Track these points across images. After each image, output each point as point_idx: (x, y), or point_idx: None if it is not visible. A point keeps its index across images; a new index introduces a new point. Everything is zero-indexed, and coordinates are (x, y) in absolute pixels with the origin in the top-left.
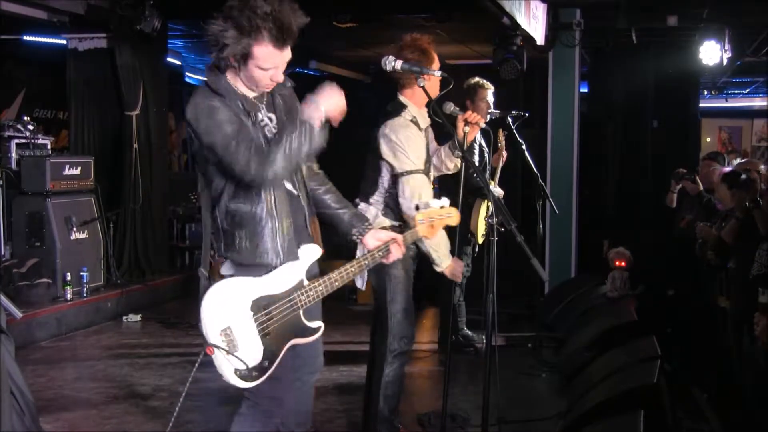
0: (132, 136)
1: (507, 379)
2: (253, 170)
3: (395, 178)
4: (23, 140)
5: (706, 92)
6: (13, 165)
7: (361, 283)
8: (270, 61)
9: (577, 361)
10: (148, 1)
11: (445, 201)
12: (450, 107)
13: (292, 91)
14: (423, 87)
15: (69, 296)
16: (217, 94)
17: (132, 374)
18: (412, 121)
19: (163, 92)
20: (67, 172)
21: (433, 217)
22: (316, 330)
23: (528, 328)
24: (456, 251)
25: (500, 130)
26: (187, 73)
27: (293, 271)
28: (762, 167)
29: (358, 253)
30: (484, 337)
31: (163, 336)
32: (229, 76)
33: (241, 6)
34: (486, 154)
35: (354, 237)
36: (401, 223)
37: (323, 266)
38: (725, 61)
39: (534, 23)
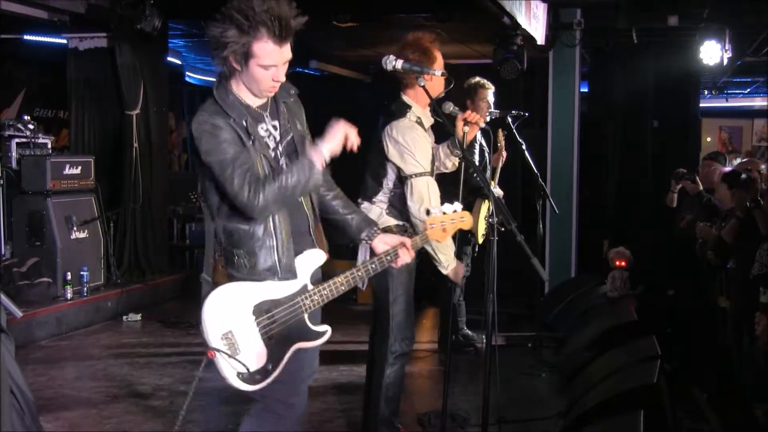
0: (132, 136)
1: (507, 379)
2: (244, 198)
3: (402, 179)
4: (23, 139)
5: (706, 92)
6: (14, 164)
7: (361, 284)
8: (270, 58)
9: (577, 361)
10: (148, 1)
11: (457, 205)
12: (449, 107)
13: (297, 98)
14: (424, 87)
15: (69, 295)
16: (223, 110)
17: (132, 374)
18: (417, 122)
19: (164, 92)
20: (67, 171)
21: (445, 221)
22: (321, 334)
23: (528, 327)
24: (456, 251)
25: (500, 130)
26: (187, 73)
27: (297, 276)
28: (763, 167)
29: (360, 254)
30: (484, 336)
31: (163, 335)
32: (234, 85)
33: (240, 6)
34: (486, 154)
35: (363, 242)
36: (406, 222)
37: (324, 266)
38: (725, 61)
39: (534, 23)
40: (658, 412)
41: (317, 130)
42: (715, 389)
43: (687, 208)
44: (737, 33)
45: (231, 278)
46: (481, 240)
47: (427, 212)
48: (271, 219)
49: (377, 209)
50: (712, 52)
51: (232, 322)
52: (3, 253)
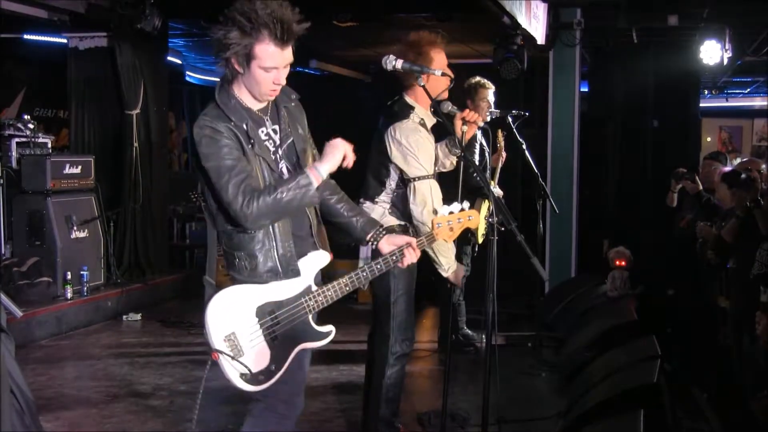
0: (132, 135)
1: (507, 379)
2: (237, 208)
3: (404, 181)
4: (23, 139)
5: (706, 92)
6: (14, 164)
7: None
8: (272, 60)
9: (577, 360)
10: (148, 0)
11: (465, 204)
12: (447, 106)
13: (298, 102)
14: (424, 87)
15: (69, 295)
16: (224, 113)
17: (132, 373)
18: (420, 123)
19: (164, 91)
20: (67, 171)
21: (452, 220)
22: (326, 334)
23: (528, 327)
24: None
25: (499, 131)
26: (187, 72)
27: (300, 278)
28: (763, 166)
29: (362, 253)
30: (484, 336)
31: (163, 335)
32: (236, 88)
33: (243, 8)
34: (486, 154)
35: (369, 243)
36: (408, 223)
37: (324, 267)
38: (725, 61)
39: (534, 23)
40: (658, 411)
41: (317, 130)
42: (715, 389)
43: (687, 207)
44: (737, 33)
45: (233, 281)
46: (481, 240)
47: (435, 212)
48: (271, 223)
49: (380, 209)
50: (712, 52)
51: (234, 325)
52: (3, 252)
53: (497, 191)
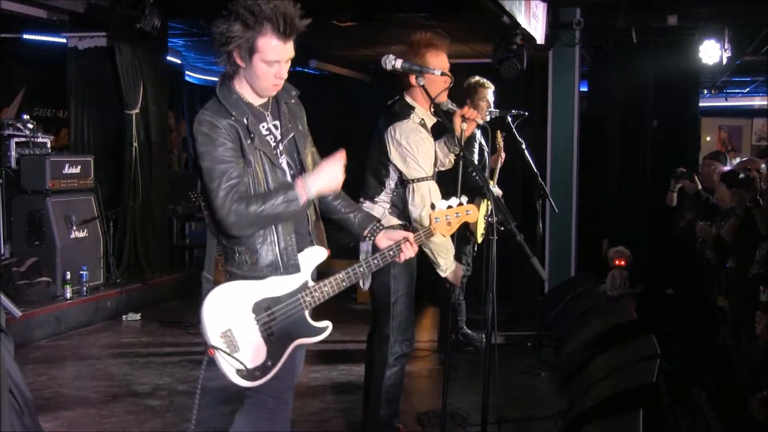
0: (132, 135)
1: (506, 378)
2: (222, 214)
3: (403, 182)
4: (23, 139)
5: (705, 91)
6: (13, 164)
7: (363, 282)
8: (274, 53)
9: (576, 360)
10: (148, 0)
11: (463, 199)
12: (447, 104)
13: (298, 99)
14: (423, 86)
15: (68, 295)
16: (225, 108)
17: (131, 373)
18: (420, 123)
19: (164, 91)
20: (66, 170)
21: (450, 215)
22: (322, 330)
23: (528, 327)
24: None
25: (498, 132)
26: (187, 72)
27: (298, 273)
28: (762, 166)
29: (362, 248)
30: (483, 336)
31: (162, 335)
32: (237, 84)
33: (246, 3)
34: (486, 153)
35: (367, 238)
36: (408, 223)
37: (323, 266)
38: (725, 61)
39: (534, 22)
40: (658, 411)
41: (317, 130)
42: (714, 389)
43: (687, 207)
44: (737, 32)
45: (231, 276)
46: (480, 239)
47: (432, 206)
48: None
49: (380, 209)
50: (712, 52)
51: (230, 321)
52: (2, 252)
53: (496, 191)
